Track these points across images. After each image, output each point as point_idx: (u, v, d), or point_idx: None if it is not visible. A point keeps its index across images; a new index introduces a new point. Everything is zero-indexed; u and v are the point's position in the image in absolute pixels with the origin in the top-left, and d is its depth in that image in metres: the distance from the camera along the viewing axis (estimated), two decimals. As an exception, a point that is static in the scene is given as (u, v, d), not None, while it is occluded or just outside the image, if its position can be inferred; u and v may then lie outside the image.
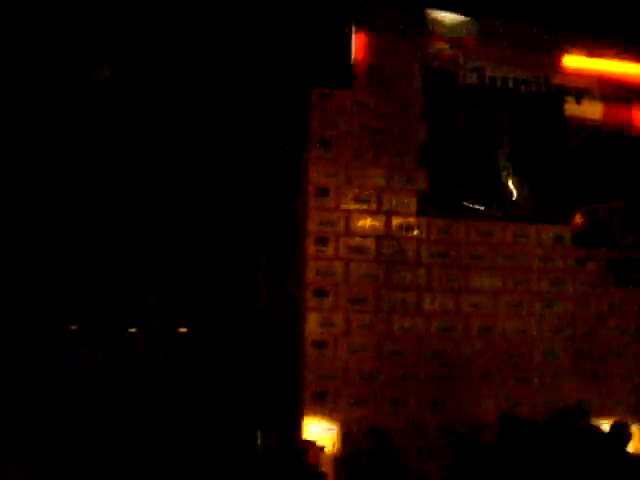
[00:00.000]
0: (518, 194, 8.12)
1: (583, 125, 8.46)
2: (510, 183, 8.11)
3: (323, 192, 7.27)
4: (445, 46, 8.12)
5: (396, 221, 7.42)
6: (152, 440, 6.92)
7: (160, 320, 7.69)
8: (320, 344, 7.11)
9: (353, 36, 7.81)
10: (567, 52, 8.48)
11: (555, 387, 7.66)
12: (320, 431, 6.92)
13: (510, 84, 8.22)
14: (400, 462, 6.39)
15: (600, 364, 7.90)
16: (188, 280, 7.67)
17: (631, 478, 5.90)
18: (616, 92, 8.59)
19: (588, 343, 7.90)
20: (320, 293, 7.19)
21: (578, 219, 8.12)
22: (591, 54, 8.53)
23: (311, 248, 7.23)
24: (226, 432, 7.10)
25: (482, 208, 8.00)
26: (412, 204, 7.47)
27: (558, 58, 8.39)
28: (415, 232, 7.44)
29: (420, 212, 7.50)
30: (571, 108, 8.33)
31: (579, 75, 8.45)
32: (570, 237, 7.96)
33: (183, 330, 7.80)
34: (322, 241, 7.24)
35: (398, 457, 6.42)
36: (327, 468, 6.60)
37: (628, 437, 6.39)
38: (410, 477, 6.35)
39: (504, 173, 8.09)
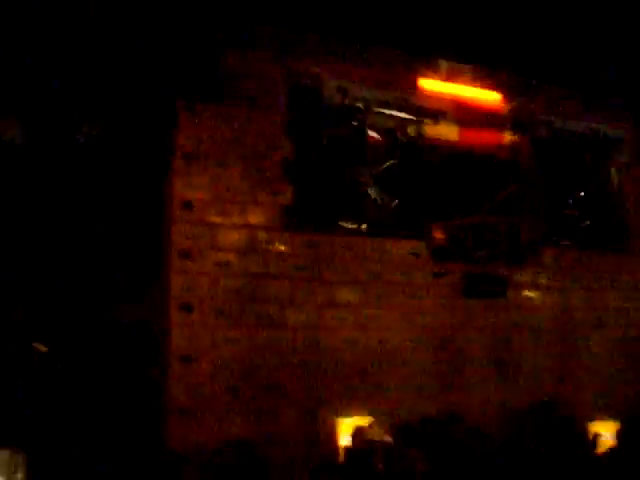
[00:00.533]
0: (379, 210, 8.35)
1: (440, 145, 8.91)
2: (372, 200, 8.33)
3: (188, 205, 7.22)
4: (309, 65, 8.33)
5: (261, 235, 7.48)
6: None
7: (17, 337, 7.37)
8: (186, 359, 7.05)
9: (224, 50, 7.89)
10: (425, 76, 8.91)
11: (414, 395, 7.91)
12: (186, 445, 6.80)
13: (372, 104, 8.53)
14: (267, 474, 6.44)
15: (457, 372, 8.28)
16: (49, 295, 7.40)
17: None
18: (471, 116, 9.10)
19: (446, 352, 8.24)
20: (186, 308, 7.13)
21: (434, 234, 8.45)
22: (448, 79, 9.00)
23: (176, 262, 7.16)
24: (88, 451, 6.88)
25: (345, 224, 8.17)
26: (277, 219, 7.57)
27: (417, 81, 8.81)
28: (280, 246, 7.54)
29: (285, 227, 7.59)
30: (429, 129, 8.77)
31: (436, 98, 8.90)
32: (428, 252, 8.28)
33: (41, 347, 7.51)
34: (187, 255, 7.19)
35: (265, 469, 6.46)
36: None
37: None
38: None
39: (366, 190, 8.30)
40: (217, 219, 7.33)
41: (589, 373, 9.10)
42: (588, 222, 9.68)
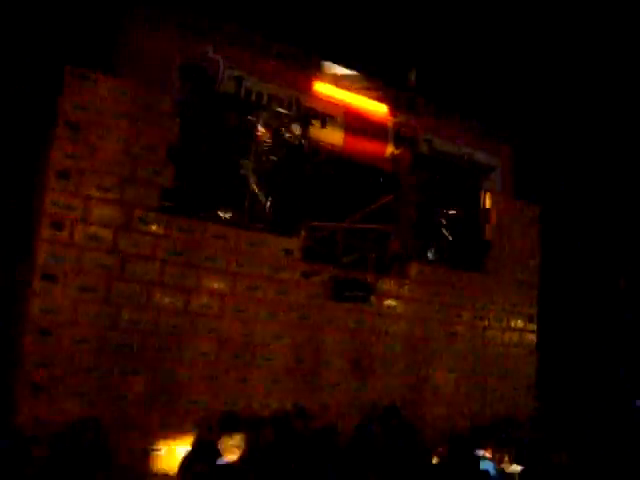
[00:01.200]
0: (257, 205, 8.44)
1: (325, 149, 9.09)
2: (252, 193, 8.40)
3: (64, 175, 7.01)
4: (208, 49, 8.30)
5: (136, 214, 7.37)
6: None
7: None
8: (44, 331, 6.82)
9: (120, 22, 7.72)
10: (319, 78, 9.08)
11: (272, 389, 8.04)
12: (36, 424, 6.60)
13: (264, 99, 8.61)
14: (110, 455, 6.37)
15: (316, 371, 8.46)
16: None
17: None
18: (357, 124, 9.35)
19: (308, 350, 8.40)
20: (49, 278, 6.92)
21: (307, 234, 8.59)
22: (339, 85, 9.21)
23: (45, 231, 6.93)
24: None
25: (223, 213, 8.21)
26: (154, 199, 7.48)
27: (310, 82, 8.96)
28: (154, 227, 7.45)
29: (162, 209, 7.51)
30: (316, 131, 8.93)
31: (326, 102, 9.09)
32: (299, 251, 8.38)
33: None
34: (58, 225, 6.97)
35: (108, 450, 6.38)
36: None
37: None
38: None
39: (247, 183, 8.36)
40: (93, 192, 7.16)
41: (437, 385, 9.57)
42: (453, 241, 10.18)
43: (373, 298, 8.93)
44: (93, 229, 7.14)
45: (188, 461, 6.03)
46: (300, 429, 7.24)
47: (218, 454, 5.83)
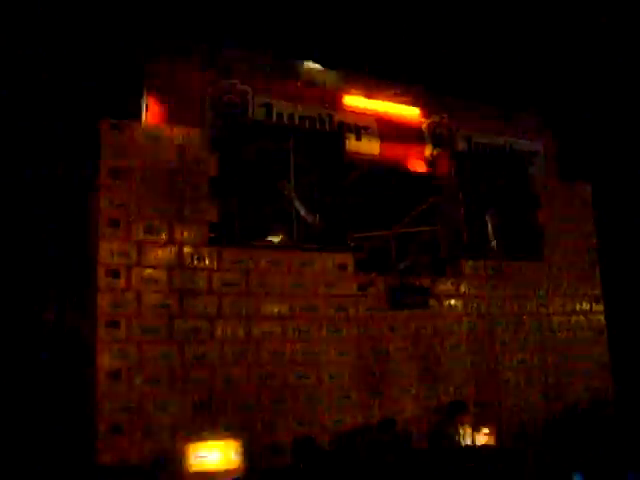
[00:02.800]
0: (304, 224, 8.49)
1: (362, 159, 9.12)
2: (296, 214, 8.46)
3: (114, 223, 7.23)
4: (235, 81, 8.45)
5: (187, 251, 7.53)
6: None
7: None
8: (114, 375, 7.02)
9: (145, 67, 7.92)
10: (348, 92, 9.14)
11: (343, 405, 8.08)
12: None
13: (296, 120, 8.70)
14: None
15: (383, 382, 8.45)
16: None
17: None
18: (392, 131, 9.36)
19: (371, 363, 8.40)
20: (112, 324, 7.12)
21: (358, 247, 8.61)
22: (369, 95, 9.25)
23: (102, 280, 7.15)
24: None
25: (272, 238, 8.32)
26: (203, 234, 7.63)
27: (340, 97, 9.03)
28: (206, 262, 7.60)
29: (211, 242, 7.66)
30: (351, 144, 8.98)
31: (359, 114, 9.13)
32: (352, 264, 8.42)
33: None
34: (114, 272, 7.19)
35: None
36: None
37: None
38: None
39: (290, 204, 8.44)
40: (143, 236, 7.35)
41: (508, 378, 9.44)
42: (506, 232, 10.03)
43: (432, 301, 8.91)
44: (148, 272, 7.33)
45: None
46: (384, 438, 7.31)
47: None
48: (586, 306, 10.58)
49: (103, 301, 7.13)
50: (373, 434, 7.42)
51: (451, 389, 8.83)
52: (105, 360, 7.03)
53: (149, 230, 7.40)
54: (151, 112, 7.88)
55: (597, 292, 10.72)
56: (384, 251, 8.91)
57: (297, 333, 7.96)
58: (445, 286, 9.12)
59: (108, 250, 7.21)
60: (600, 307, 10.72)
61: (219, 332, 7.57)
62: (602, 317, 10.71)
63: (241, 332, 7.67)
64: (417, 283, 8.74)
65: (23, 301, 7.63)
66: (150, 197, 7.45)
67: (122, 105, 7.76)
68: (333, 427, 7.85)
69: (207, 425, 7.24)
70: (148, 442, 7.03)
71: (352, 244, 8.50)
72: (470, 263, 9.35)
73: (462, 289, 9.25)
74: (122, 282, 7.21)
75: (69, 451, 7.05)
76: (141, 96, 7.93)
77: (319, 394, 7.99)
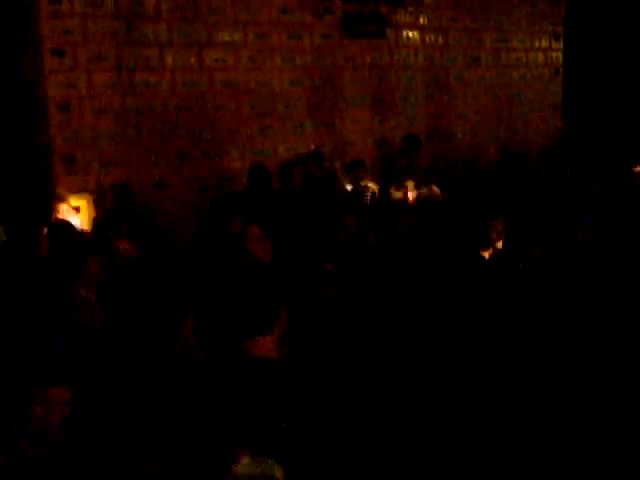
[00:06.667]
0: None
1: None
2: None
3: None
4: None
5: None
6: None
7: None
8: (64, 106, 6.89)
9: None
10: None
11: (294, 135, 8.17)
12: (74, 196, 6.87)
13: None
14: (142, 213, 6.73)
15: (336, 112, 8.49)
16: None
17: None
18: None
19: (325, 92, 8.36)
20: (58, 53, 6.85)
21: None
22: None
23: (45, 6, 6.72)
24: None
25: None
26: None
27: None
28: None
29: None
30: None
31: None
32: (307, -10, 8.06)
33: None
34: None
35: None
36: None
37: None
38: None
39: None
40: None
41: (461, 113, 9.58)
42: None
43: (389, 31, 8.66)
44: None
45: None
46: (314, 171, 7.45)
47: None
48: (545, 43, 10.47)
49: (47, 28, 6.73)
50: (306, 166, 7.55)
51: (404, 122, 8.95)
52: (53, 91, 6.85)
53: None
54: None
55: (558, 30, 10.55)
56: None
57: (250, 62, 7.78)
58: (404, 16, 8.81)
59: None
60: (559, 44, 10.62)
61: (169, 61, 7.33)
62: (560, 55, 10.65)
63: (193, 60, 7.45)
64: (374, 10, 8.42)
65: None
66: None
67: None
68: (284, 155, 7.97)
69: (160, 156, 7.34)
70: (107, 177, 7.06)
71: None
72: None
73: (421, 20, 8.99)
74: (65, 6, 6.75)
75: (28, 186, 7.08)
76: None
77: (273, 123, 8.02)
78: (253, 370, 2.92)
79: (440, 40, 9.20)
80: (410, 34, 8.92)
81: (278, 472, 2.60)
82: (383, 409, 3.53)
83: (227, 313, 3.34)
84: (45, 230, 5.61)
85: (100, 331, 4.34)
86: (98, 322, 4.42)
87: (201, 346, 3.74)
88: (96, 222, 6.77)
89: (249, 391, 2.89)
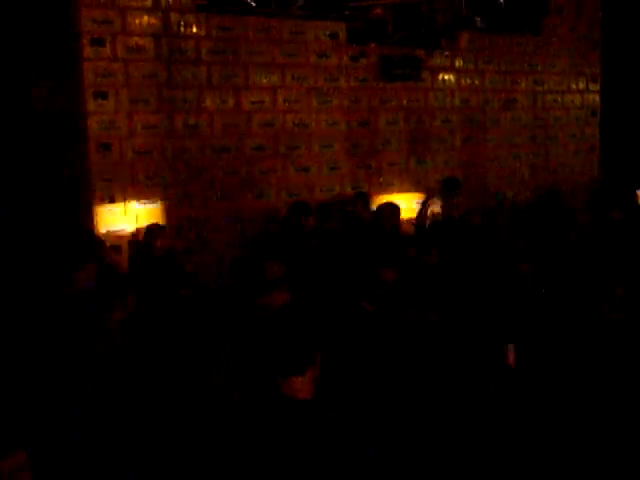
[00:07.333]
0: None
1: None
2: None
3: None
4: None
5: (174, 18, 7.24)
6: None
7: None
8: (105, 146, 7.04)
9: None
10: None
11: (330, 176, 8.25)
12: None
13: None
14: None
15: (372, 154, 8.55)
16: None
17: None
18: None
19: (360, 135, 8.43)
20: (100, 95, 7.03)
21: (352, 16, 8.21)
22: None
23: (87, 49, 6.92)
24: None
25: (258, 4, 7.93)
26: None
27: None
28: (194, 29, 7.34)
29: (198, 8, 7.35)
30: None
31: None
32: (345, 33, 8.16)
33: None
34: (98, 41, 6.95)
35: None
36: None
37: None
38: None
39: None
40: (127, 2, 7.02)
41: (497, 155, 9.58)
42: (507, 3, 9.60)
43: (425, 74, 8.74)
44: (134, 40, 7.06)
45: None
46: (360, 212, 7.57)
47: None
48: (582, 85, 10.44)
49: (89, 72, 6.94)
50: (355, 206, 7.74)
51: (438, 163, 8.98)
52: (95, 132, 7.00)
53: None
54: None
55: (595, 70, 10.53)
56: (381, 22, 8.50)
57: (287, 104, 7.90)
58: (439, 59, 8.89)
59: (91, 18, 6.90)
60: (596, 87, 10.59)
61: (208, 103, 7.49)
62: (597, 97, 10.61)
63: (231, 102, 7.60)
64: (410, 54, 8.51)
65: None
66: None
67: None
68: (322, 194, 8.11)
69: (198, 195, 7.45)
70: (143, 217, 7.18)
71: (347, 13, 8.14)
72: (466, 35, 9.00)
73: (456, 63, 9.06)
74: (108, 51, 6.98)
75: (67, 224, 7.22)
76: None
77: (309, 165, 8.11)
78: (286, 410, 2.90)
79: (476, 82, 9.24)
80: (446, 77, 8.99)
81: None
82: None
83: (258, 353, 3.34)
84: (80, 269, 5.60)
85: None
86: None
87: (234, 386, 3.75)
88: (132, 262, 6.91)
89: (282, 432, 2.86)
